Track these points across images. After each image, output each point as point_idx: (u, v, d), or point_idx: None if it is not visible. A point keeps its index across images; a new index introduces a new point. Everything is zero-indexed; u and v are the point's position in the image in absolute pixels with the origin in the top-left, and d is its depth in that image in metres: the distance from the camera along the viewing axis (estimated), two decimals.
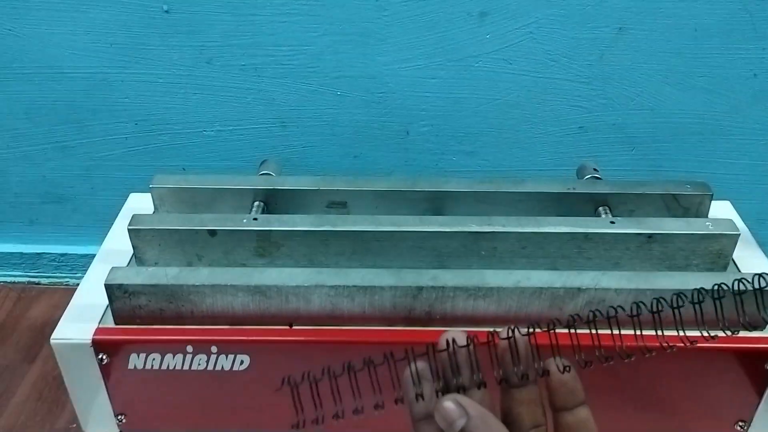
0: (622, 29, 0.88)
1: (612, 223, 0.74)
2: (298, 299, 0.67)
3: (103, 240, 1.13)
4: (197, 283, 0.66)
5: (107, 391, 0.71)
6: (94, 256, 1.13)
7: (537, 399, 0.38)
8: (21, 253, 1.15)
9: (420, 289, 0.66)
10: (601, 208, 0.80)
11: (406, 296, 0.67)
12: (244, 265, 0.75)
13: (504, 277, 0.67)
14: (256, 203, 0.80)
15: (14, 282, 1.17)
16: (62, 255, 1.12)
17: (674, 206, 0.80)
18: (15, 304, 1.12)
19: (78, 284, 1.15)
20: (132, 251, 0.75)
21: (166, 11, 0.88)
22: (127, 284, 0.66)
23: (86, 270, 1.15)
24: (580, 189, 0.80)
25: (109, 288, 0.66)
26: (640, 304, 0.37)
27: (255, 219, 0.74)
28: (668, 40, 0.89)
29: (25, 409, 0.93)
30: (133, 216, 0.74)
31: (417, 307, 0.67)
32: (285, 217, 0.75)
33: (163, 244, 0.74)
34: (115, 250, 0.78)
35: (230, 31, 0.90)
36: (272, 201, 0.80)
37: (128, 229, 0.73)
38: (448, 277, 0.67)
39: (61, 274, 1.15)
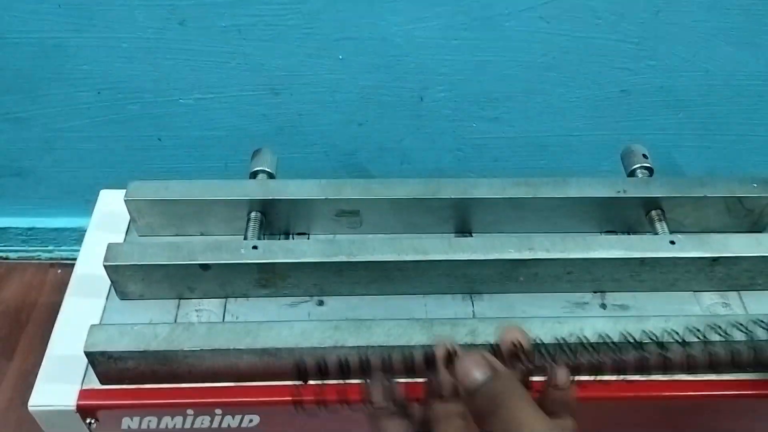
0: None
1: (672, 243, 0.64)
2: (313, 358, 0.57)
3: (72, 214, 1.02)
4: (194, 348, 0.56)
5: None
6: (64, 230, 1.03)
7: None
8: None
9: None
10: (653, 212, 0.69)
11: None
12: (244, 296, 0.65)
13: (553, 329, 0.58)
14: (253, 214, 0.68)
15: None
16: (29, 229, 1.00)
17: (737, 208, 0.70)
18: None
19: (49, 257, 1.06)
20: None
21: None
22: (110, 351, 0.56)
23: (58, 243, 1.04)
24: (632, 192, 0.69)
25: (91, 355, 0.56)
26: None
27: (255, 247, 0.63)
28: None
29: (10, 417, 0.86)
30: (109, 247, 0.62)
31: None
32: (291, 244, 0.63)
33: (147, 279, 0.63)
34: (90, 276, 0.67)
35: None
36: (271, 211, 0.68)
37: (105, 265, 0.62)
38: (489, 331, 0.57)
39: (30, 248, 1.03)
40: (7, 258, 1.04)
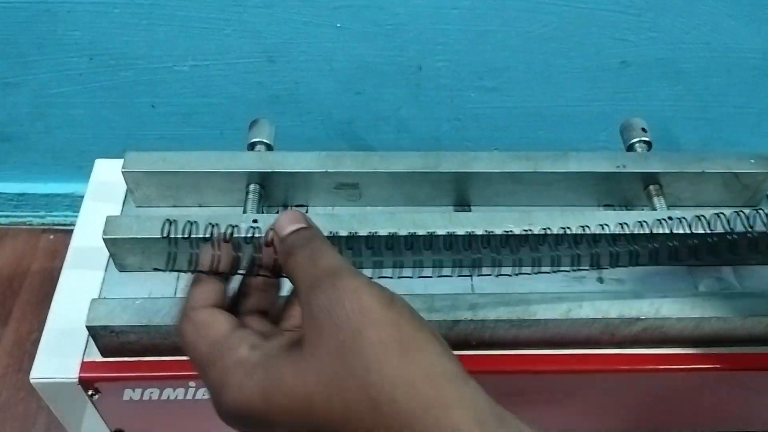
0: None
1: (670, 219, 0.64)
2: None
3: (64, 180, 1.00)
4: None
5: (102, 417, 0.63)
6: (55, 195, 1.01)
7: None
8: None
9: (456, 322, 0.58)
10: (651, 187, 0.70)
11: (440, 328, 0.58)
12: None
13: (552, 306, 0.58)
14: (252, 186, 0.68)
15: None
16: (20, 195, 0.99)
17: (734, 184, 0.70)
18: None
19: (41, 223, 1.05)
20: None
21: None
22: (112, 326, 0.56)
23: (49, 209, 1.03)
24: (631, 167, 0.69)
25: (92, 329, 0.56)
26: None
27: (255, 221, 0.62)
28: None
29: (6, 383, 0.86)
30: (108, 220, 0.62)
31: (451, 336, 0.59)
32: None
33: (147, 252, 0.63)
34: (88, 248, 0.66)
35: None
36: (270, 184, 0.68)
37: (104, 238, 0.61)
38: (489, 306, 0.58)
39: (21, 213, 1.02)
40: None
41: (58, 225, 1.02)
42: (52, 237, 1.01)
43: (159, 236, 0.62)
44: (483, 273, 0.64)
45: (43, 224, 1.02)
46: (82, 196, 0.71)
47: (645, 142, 0.74)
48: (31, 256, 0.98)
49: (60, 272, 0.65)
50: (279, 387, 0.34)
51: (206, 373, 0.37)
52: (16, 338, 0.90)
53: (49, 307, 0.62)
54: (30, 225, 1.03)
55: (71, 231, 0.67)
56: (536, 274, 0.60)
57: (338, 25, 0.77)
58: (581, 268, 0.59)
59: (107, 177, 0.72)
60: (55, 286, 0.63)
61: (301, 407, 0.34)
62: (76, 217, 0.67)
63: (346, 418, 0.32)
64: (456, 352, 0.59)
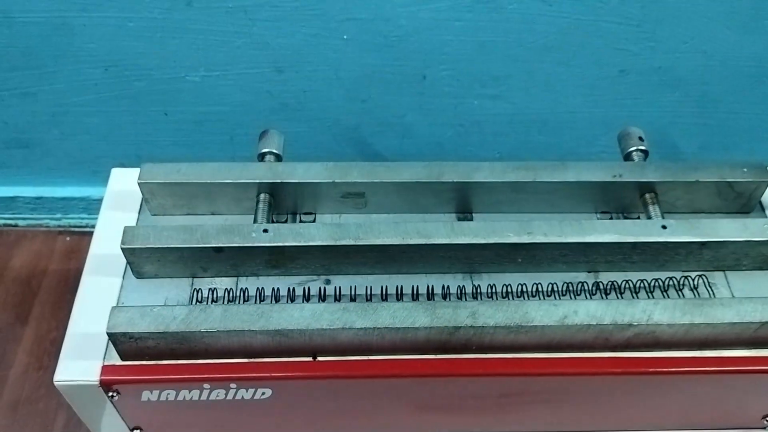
0: None
1: (664, 228, 0.67)
2: (323, 338, 0.61)
3: (80, 184, 1.03)
4: (210, 329, 0.59)
5: (121, 415, 0.67)
6: (71, 199, 1.05)
7: None
8: None
9: (457, 328, 0.61)
10: (647, 195, 0.72)
11: (442, 333, 0.61)
12: (255, 275, 0.68)
13: (549, 312, 0.61)
14: (262, 196, 0.71)
15: None
16: (38, 198, 1.02)
17: (727, 192, 0.73)
18: None
19: (57, 225, 1.08)
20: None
21: None
22: (131, 332, 0.59)
23: (65, 211, 1.07)
24: (627, 177, 0.71)
25: (113, 336, 0.59)
26: None
27: (265, 231, 0.65)
28: None
29: (27, 380, 0.89)
30: (125, 230, 0.65)
31: (453, 341, 0.62)
32: (300, 228, 0.66)
33: (163, 260, 0.66)
34: (106, 256, 0.69)
35: None
36: (280, 193, 0.71)
37: (122, 248, 0.64)
38: (489, 313, 0.61)
39: (39, 215, 1.05)
40: (16, 225, 1.06)
41: (74, 227, 1.05)
42: (68, 239, 1.04)
43: (175, 246, 0.66)
44: (484, 280, 0.68)
45: (59, 226, 1.05)
46: (97, 200, 0.74)
47: (642, 150, 0.76)
48: (49, 257, 1.01)
49: (76, 273, 0.67)
50: None
51: None
52: (36, 337, 0.93)
53: (66, 308, 0.65)
54: (47, 227, 1.06)
55: (87, 233, 0.70)
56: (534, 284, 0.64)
57: (345, 36, 0.80)
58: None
59: (123, 186, 0.75)
60: (72, 287, 0.66)
61: None
62: (92, 219, 0.70)
63: None
64: (456, 356, 0.63)
